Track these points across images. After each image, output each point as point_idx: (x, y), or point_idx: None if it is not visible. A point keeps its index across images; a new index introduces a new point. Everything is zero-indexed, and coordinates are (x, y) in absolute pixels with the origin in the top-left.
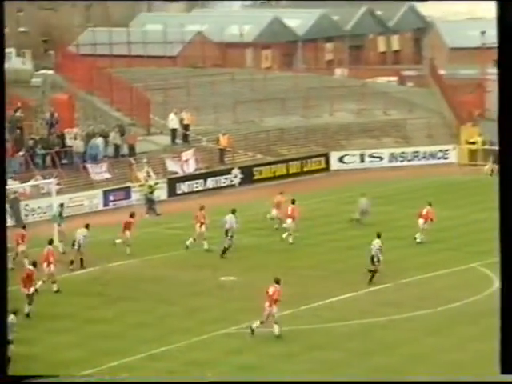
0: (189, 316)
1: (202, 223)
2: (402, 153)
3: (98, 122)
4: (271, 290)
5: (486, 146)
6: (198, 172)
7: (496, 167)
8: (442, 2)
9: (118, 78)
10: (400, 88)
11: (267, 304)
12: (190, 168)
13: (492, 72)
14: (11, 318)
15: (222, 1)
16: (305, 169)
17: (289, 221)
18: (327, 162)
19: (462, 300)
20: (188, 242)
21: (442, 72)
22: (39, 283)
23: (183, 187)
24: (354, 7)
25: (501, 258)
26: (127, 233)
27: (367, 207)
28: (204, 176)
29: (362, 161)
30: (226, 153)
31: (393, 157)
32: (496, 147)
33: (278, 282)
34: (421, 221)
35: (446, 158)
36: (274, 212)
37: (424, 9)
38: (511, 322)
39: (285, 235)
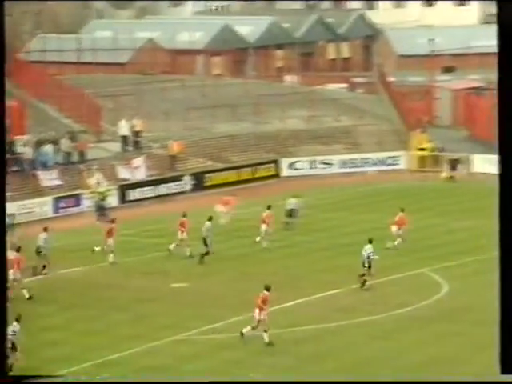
0: (140, 322)
1: (183, 230)
2: (353, 159)
3: (49, 129)
4: (260, 297)
5: (436, 153)
6: (149, 179)
7: (455, 174)
8: (391, 10)
9: (69, 85)
10: (350, 95)
11: (257, 311)
12: (141, 175)
13: (440, 79)
14: (14, 324)
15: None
16: (256, 175)
17: (263, 226)
18: (278, 168)
19: (412, 305)
20: (171, 247)
21: (391, 79)
22: (24, 291)
23: (134, 194)
24: (305, 14)
25: (500, 257)
26: (109, 240)
27: (294, 207)
28: (155, 183)
29: (313, 167)
30: (177, 159)
31: (343, 163)
32: (448, 154)
33: (268, 289)
34: (394, 227)
35: (395, 165)
36: (221, 208)
37: (374, 16)
38: (511, 322)
39: (258, 239)
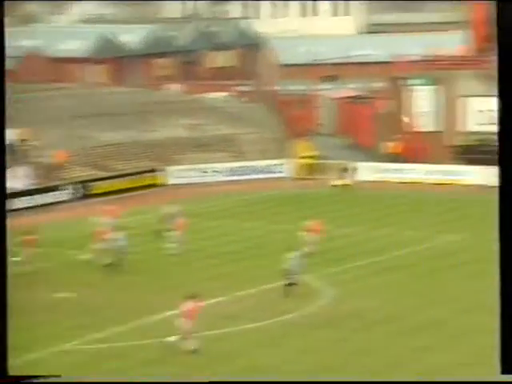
0: (22, 333)
1: (103, 238)
2: (236, 167)
3: None
4: (186, 306)
5: (319, 161)
6: (31, 188)
7: (344, 182)
8: (272, 20)
9: None
10: (233, 103)
11: (183, 320)
12: (24, 184)
13: (322, 88)
14: None
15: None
16: (141, 183)
17: (175, 233)
18: (163, 176)
19: (295, 312)
20: (84, 257)
21: (274, 88)
22: None
23: (16, 203)
24: (186, 23)
25: (500, 256)
26: (30, 250)
27: (167, 216)
28: (38, 192)
29: (197, 175)
30: (61, 168)
31: (227, 171)
32: (332, 161)
33: (192, 297)
34: (304, 234)
35: (279, 172)
36: (103, 220)
37: (258, 25)
38: (511, 322)
39: (169, 246)
